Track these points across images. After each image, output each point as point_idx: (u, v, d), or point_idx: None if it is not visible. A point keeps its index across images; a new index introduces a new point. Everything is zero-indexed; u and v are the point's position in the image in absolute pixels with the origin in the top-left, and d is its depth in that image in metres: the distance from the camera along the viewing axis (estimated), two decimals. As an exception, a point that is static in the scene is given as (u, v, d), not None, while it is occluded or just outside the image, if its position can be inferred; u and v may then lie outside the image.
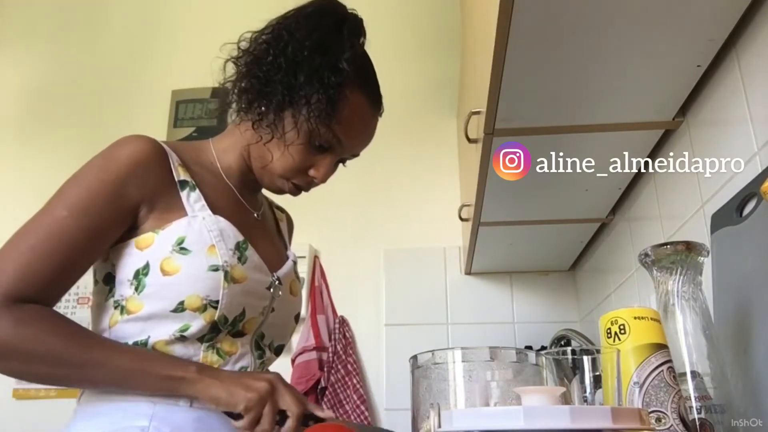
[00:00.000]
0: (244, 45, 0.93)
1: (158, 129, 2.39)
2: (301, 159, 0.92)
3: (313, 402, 0.86)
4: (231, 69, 0.93)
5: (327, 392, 1.97)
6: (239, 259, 0.89)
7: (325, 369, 2.00)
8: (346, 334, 2.08)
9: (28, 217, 0.83)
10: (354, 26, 0.93)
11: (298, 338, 2.06)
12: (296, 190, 0.98)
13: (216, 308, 0.85)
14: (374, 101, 0.95)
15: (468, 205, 1.69)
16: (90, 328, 0.88)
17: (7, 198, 2.39)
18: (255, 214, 1.01)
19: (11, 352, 0.77)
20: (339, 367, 2.01)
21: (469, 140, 1.37)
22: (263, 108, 0.90)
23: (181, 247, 0.85)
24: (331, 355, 2.02)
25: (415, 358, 0.66)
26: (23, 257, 0.79)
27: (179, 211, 0.88)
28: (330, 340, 2.06)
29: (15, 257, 0.79)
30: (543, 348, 1.96)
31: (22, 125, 2.53)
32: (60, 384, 0.85)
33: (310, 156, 0.93)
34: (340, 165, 1.00)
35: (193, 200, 0.89)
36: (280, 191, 0.98)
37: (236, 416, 0.81)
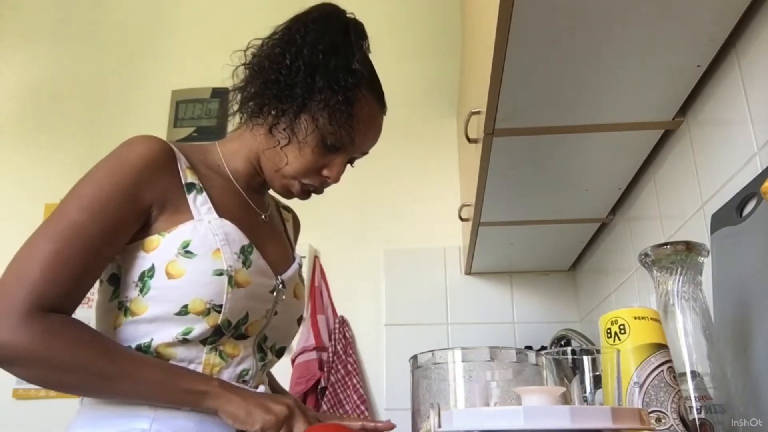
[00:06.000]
0: (253, 51, 0.94)
1: (158, 129, 2.39)
2: (315, 160, 0.93)
3: (313, 402, 0.86)
4: (238, 75, 0.94)
5: (327, 392, 1.97)
6: (244, 263, 0.89)
7: (325, 369, 1.99)
8: (346, 334, 2.08)
9: (27, 217, 0.82)
10: (358, 29, 0.95)
11: (298, 338, 2.05)
12: (305, 194, 0.98)
13: (219, 312, 0.86)
14: (381, 100, 0.99)
15: (468, 205, 1.70)
16: (93, 327, 0.88)
17: (6, 198, 2.39)
18: (263, 216, 1.01)
19: (39, 362, 0.76)
20: (339, 367, 2.01)
21: (469, 140, 1.37)
22: (280, 111, 0.90)
23: (186, 251, 0.85)
24: (331, 355, 2.02)
25: (415, 358, 0.66)
26: (49, 263, 0.77)
27: (186, 213, 0.88)
28: (330, 340, 2.06)
29: (40, 263, 0.77)
30: (543, 348, 1.96)
31: (21, 125, 2.52)
32: (84, 394, 0.85)
33: (323, 157, 0.94)
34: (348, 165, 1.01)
35: (199, 203, 0.89)
36: (290, 195, 0.99)
37: None
